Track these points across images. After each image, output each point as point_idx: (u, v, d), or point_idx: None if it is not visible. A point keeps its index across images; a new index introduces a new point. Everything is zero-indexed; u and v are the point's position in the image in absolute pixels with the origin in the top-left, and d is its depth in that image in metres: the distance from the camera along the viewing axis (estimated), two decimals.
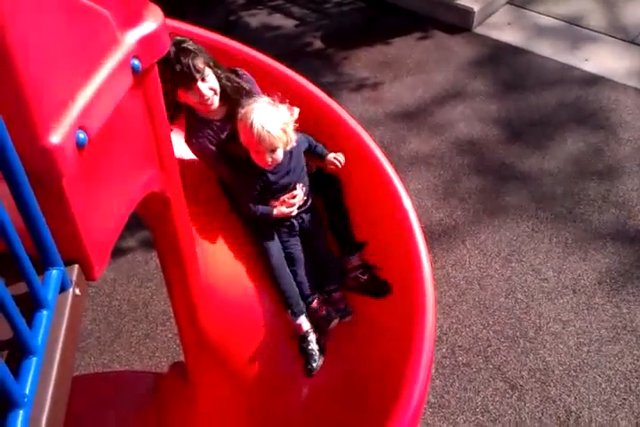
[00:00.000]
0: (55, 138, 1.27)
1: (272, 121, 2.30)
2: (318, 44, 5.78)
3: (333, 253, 2.64)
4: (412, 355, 2.23)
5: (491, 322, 3.66)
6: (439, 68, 5.51)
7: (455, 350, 3.50)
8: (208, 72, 2.38)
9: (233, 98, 2.48)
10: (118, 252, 4.10)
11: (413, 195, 2.76)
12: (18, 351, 1.19)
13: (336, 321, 2.50)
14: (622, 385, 3.33)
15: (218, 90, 2.43)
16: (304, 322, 2.48)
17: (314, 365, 2.43)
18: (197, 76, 2.34)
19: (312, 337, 2.46)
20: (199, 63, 2.34)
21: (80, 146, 1.37)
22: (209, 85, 2.39)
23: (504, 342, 3.56)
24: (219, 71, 2.43)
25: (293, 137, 2.40)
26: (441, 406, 3.22)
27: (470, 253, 4.10)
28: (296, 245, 2.59)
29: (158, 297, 3.83)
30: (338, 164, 2.55)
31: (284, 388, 2.64)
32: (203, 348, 2.51)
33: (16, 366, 1.16)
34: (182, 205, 2.22)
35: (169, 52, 2.34)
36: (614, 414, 3.21)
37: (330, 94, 2.78)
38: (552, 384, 3.35)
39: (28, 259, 1.23)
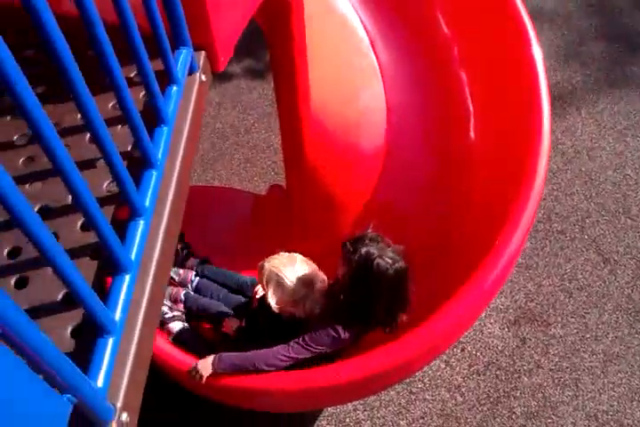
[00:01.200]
0: None
1: (279, 264, 2.02)
2: None
3: None
4: (519, 201, 2.13)
5: (594, 194, 3.47)
6: None
7: (552, 216, 3.37)
8: None
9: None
10: (224, 77, 4.03)
11: None
12: (153, 120, 1.17)
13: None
14: None
15: None
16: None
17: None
18: None
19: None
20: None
21: None
22: None
23: (604, 216, 3.38)
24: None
25: (269, 292, 2.02)
26: (528, 267, 3.17)
27: (584, 121, 3.80)
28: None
29: (260, 126, 3.79)
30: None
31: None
32: (303, 174, 2.50)
33: (151, 133, 1.14)
34: (301, 17, 2.08)
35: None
36: None
37: None
38: None
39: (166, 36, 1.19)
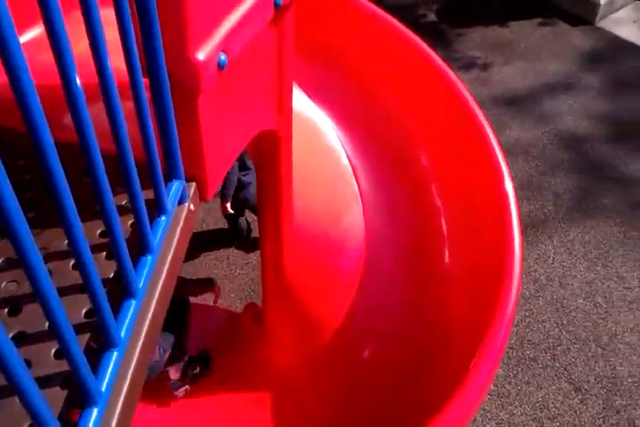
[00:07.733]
0: (202, 54, 1.32)
1: None
2: (432, 17, 5.65)
3: None
4: (490, 329, 2.19)
5: (565, 322, 3.54)
6: (554, 57, 5.30)
7: (524, 343, 3.41)
8: None
9: None
10: None
11: None
12: (138, 249, 1.24)
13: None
14: None
15: None
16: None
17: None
18: None
19: None
20: None
21: (220, 67, 1.41)
22: None
23: (575, 344, 3.43)
24: None
25: None
26: (500, 395, 3.15)
27: (556, 249, 3.96)
28: None
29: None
30: None
31: (352, 347, 2.66)
32: (282, 294, 2.55)
33: (135, 261, 1.21)
34: (289, 149, 2.24)
35: None
36: None
37: None
38: (618, 394, 3.21)
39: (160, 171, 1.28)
